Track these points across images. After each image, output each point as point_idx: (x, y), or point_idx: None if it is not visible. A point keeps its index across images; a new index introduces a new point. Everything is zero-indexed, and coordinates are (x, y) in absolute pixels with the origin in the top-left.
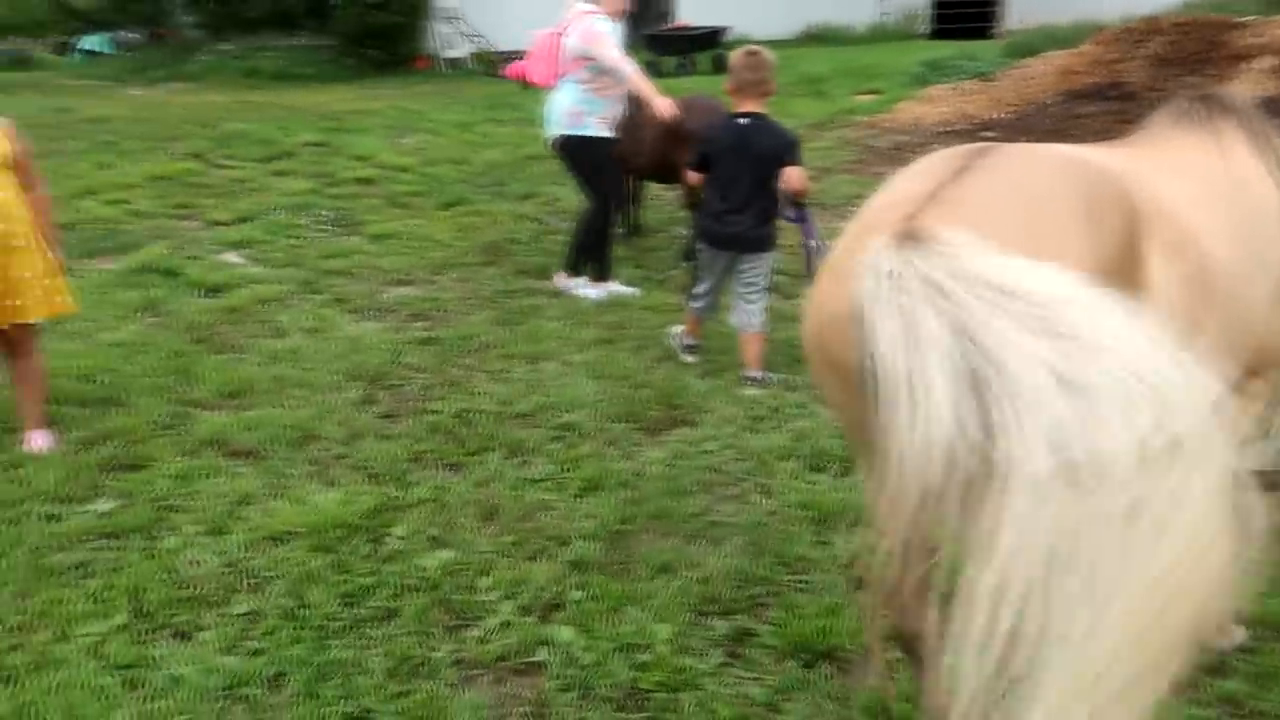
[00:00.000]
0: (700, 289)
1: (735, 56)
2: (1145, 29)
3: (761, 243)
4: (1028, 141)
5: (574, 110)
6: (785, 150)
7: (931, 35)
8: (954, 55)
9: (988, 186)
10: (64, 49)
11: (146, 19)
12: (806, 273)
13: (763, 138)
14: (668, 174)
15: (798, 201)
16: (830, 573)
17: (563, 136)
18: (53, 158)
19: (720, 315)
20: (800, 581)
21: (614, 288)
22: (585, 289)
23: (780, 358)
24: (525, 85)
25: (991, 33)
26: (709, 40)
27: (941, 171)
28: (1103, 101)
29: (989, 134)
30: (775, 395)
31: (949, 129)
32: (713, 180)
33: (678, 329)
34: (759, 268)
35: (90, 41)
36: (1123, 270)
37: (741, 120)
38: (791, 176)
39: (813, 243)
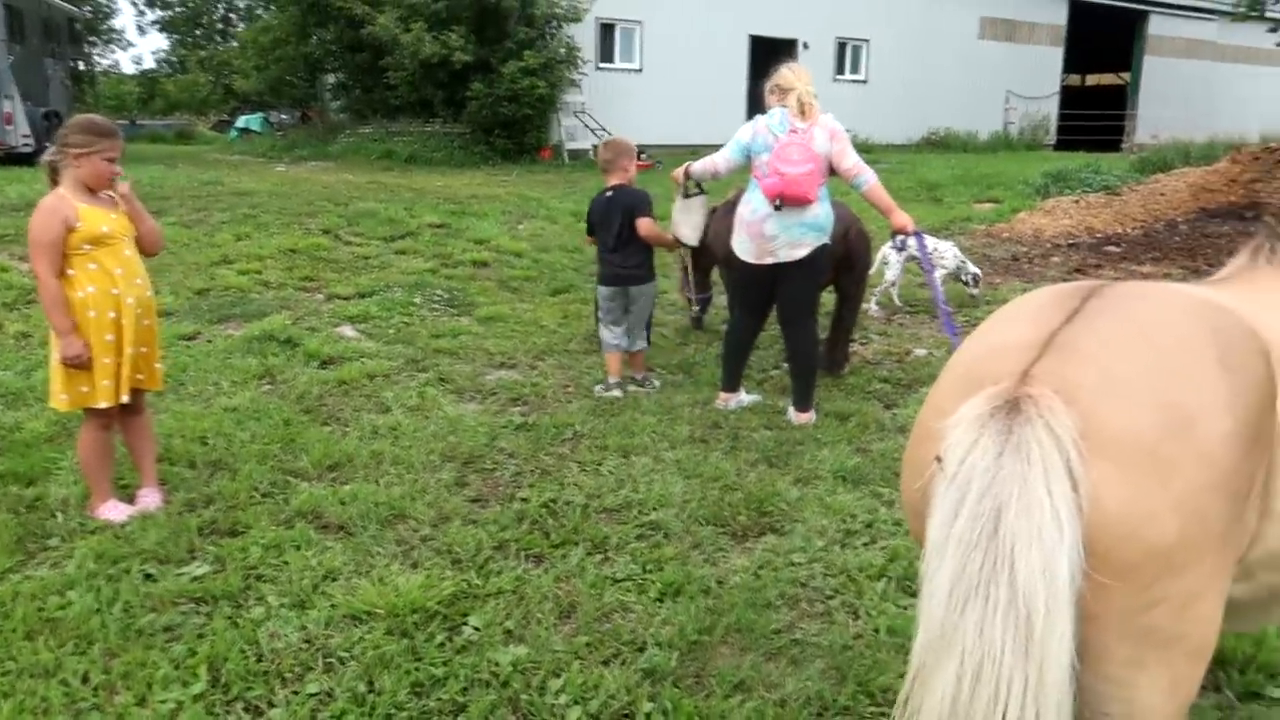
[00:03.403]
0: (608, 328)
1: (600, 147)
2: None
3: (638, 278)
4: (1155, 258)
5: (829, 217)
6: (637, 206)
7: (1057, 146)
8: (1079, 167)
9: (1109, 332)
10: (223, 126)
11: (298, 101)
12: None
13: (622, 201)
14: None
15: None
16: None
17: (825, 245)
18: (197, 227)
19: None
20: (884, 715)
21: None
22: (812, 414)
23: (877, 470)
24: (780, 205)
25: (1121, 146)
26: None
27: (1053, 312)
28: (1238, 222)
29: (1113, 249)
30: (870, 509)
31: (1070, 242)
32: (599, 239)
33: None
34: (642, 299)
35: (246, 120)
36: (1261, 421)
37: (608, 193)
38: (641, 224)
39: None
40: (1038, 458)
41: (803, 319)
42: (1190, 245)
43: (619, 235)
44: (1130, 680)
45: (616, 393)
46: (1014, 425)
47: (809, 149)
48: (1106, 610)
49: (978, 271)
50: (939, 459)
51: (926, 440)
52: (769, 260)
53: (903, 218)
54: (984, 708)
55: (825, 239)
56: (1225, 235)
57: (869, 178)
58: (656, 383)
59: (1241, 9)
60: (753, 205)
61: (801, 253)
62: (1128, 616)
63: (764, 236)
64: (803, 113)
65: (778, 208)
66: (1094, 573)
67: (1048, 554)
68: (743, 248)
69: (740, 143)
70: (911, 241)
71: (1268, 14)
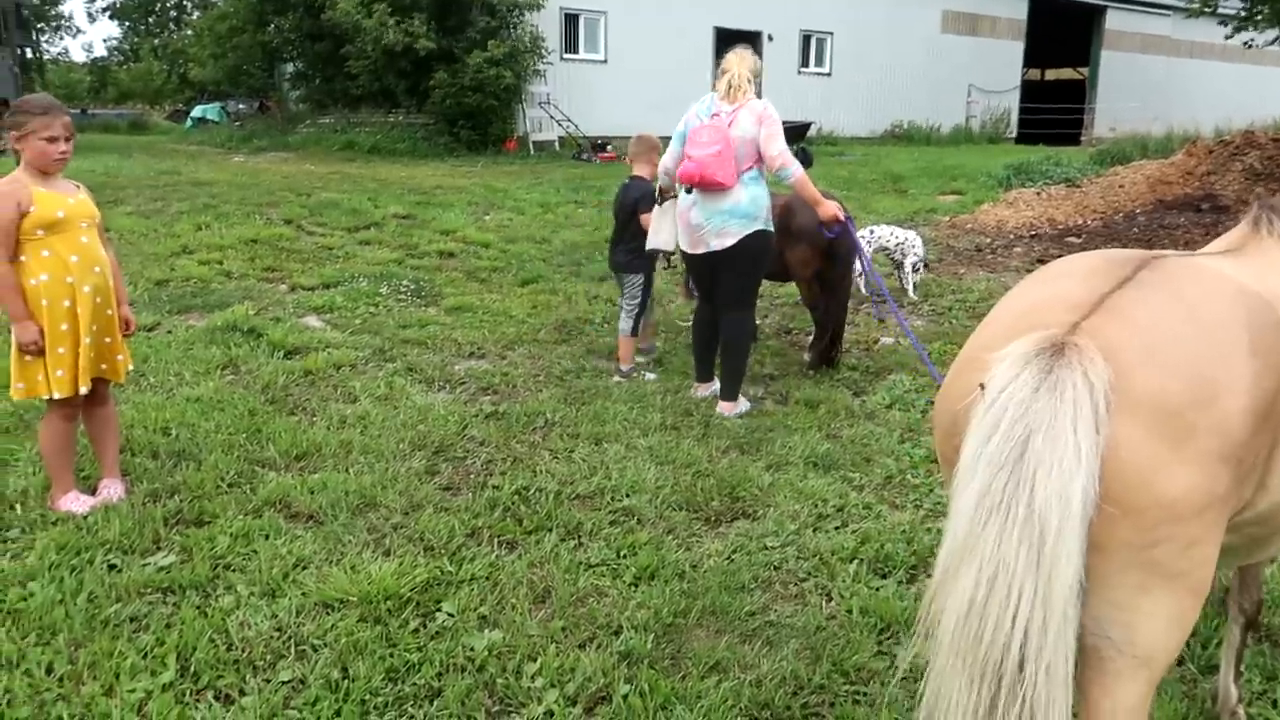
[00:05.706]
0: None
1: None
2: (1241, 142)
3: (629, 266)
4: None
5: (768, 204)
6: (638, 201)
7: (1017, 140)
8: (1040, 160)
9: (1157, 304)
10: (179, 115)
11: (256, 91)
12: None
13: (631, 193)
14: (779, 272)
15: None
16: (890, 685)
17: (758, 232)
18: (155, 217)
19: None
20: (858, 693)
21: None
22: (743, 406)
23: (847, 455)
24: (691, 189)
25: (1080, 139)
26: (797, 134)
27: (1106, 277)
28: (1194, 214)
29: (1074, 240)
30: (841, 494)
31: (1033, 233)
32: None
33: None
34: (633, 287)
35: (202, 110)
36: (1274, 404)
37: (627, 181)
38: (643, 219)
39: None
40: (1070, 398)
41: (735, 309)
42: (1148, 236)
43: (616, 223)
44: (1133, 605)
45: (616, 377)
46: (1055, 366)
47: (721, 131)
48: (1113, 542)
49: (927, 259)
50: (982, 386)
51: (970, 369)
52: (701, 249)
53: (831, 208)
54: (997, 609)
55: (757, 226)
56: (1181, 227)
57: (795, 170)
58: (650, 375)
59: (1195, 4)
60: (682, 194)
61: (729, 241)
62: (1133, 550)
63: (691, 225)
64: (729, 96)
65: (689, 191)
66: (1105, 508)
67: (1065, 481)
68: (682, 238)
69: (680, 133)
70: (883, 230)
71: (1220, 10)
